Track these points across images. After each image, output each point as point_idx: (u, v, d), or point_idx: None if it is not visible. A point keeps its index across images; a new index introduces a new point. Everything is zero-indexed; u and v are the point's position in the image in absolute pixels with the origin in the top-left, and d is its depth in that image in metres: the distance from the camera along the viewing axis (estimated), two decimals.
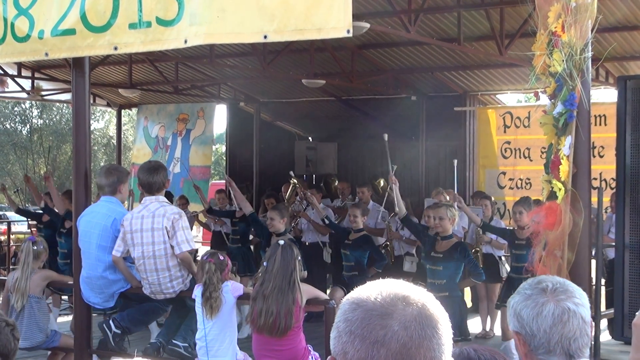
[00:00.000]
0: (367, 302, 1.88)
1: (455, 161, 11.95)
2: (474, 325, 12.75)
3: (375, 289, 1.91)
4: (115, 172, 8.17)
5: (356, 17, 10.40)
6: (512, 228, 11.39)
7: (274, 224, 10.18)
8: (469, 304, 14.07)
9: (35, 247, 8.62)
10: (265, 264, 7.15)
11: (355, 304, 1.89)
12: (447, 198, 12.67)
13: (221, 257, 7.40)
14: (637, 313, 3.35)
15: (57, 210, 12.81)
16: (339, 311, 1.91)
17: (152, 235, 7.55)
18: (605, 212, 12.04)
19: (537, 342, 2.90)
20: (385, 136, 11.22)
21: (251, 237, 13.90)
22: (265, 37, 5.84)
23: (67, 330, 9.62)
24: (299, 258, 7.15)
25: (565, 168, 5.35)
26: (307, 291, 7.15)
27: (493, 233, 11.69)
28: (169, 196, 13.67)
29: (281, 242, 7.20)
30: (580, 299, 2.93)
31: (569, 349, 2.88)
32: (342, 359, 1.86)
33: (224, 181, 21.63)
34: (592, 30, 5.41)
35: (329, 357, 1.90)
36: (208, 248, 16.32)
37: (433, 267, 9.07)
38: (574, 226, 5.35)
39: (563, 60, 5.26)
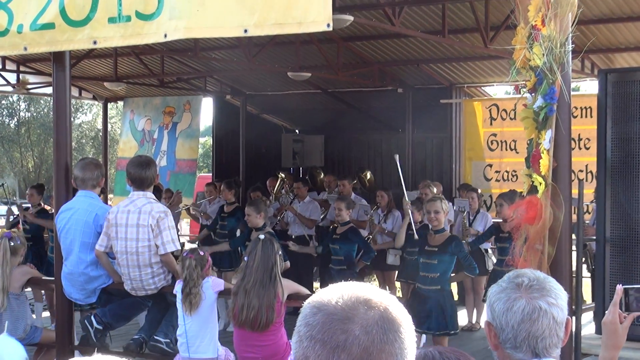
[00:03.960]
0: (328, 306, 1.85)
1: (397, 156, 11.66)
2: (461, 317, 12.77)
3: (336, 292, 1.87)
4: (98, 166, 8.07)
5: (340, 9, 10.39)
6: (494, 223, 11.44)
7: (251, 220, 10.22)
8: (455, 297, 14.13)
9: (12, 243, 8.53)
10: (245, 258, 7.13)
11: (316, 308, 1.85)
12: (435, 190, 12.68)
13: (201, 253, 7.37)
14: (606, 311, 3.34)
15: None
16: (300, 315, 1.88)
17: (137, 231, 7.47)
18: (592, 203, 12.07)
19: (505, 335, 2.90)
20: (397, 157, 11.08)
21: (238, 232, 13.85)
22: (245, 31, 5.82)
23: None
24: (280, 252, 7.13)
25: (545, 162, 5.33)
26: (289, 286, 7.14)
27: (482, 241, 11.63)
28: (158, 190, 13.64)
29: (261, 236, 7.18)
30: (555, 298, 2.90)
31: (535, 347, 2.87)
32: None
33: (211, 174, 21.66)
34: (572, 24, 5.39)
35: None
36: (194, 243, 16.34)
37: (427, 261, 9.03)
38: (555, 220, 5.34)
39: (543, 54, 5.24)
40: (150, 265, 7.53)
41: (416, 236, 10.18)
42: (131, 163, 7.76)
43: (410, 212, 10.31)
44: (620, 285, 3.39)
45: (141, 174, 7.58)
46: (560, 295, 2.92)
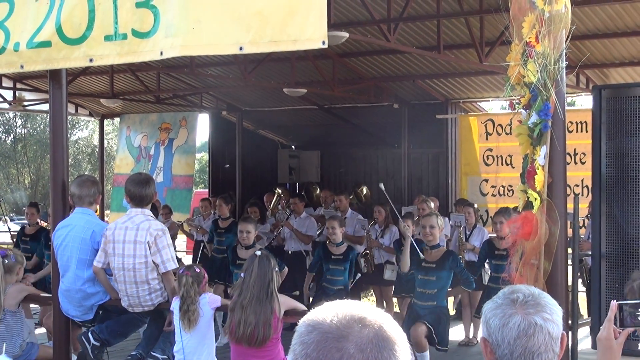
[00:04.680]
0: (322, 324, 1.85)
1: (382, 185, 11.63)
2: (458, 332, 12.75)
3: (331, 311, 1.88)
4: (95, 183, 8.07)
5: (335, 26, 10.45)
6: (486, 240, 11.43)
7: (250, 236, 10.14)
8: (452, 312, 14.11)
9: (6, 261, 8.54)
10: (242, 275, 7.13)
11: (311, 327, 1.86)
12: (432, 205, 12.68)
13: (197, 270, 7.38)
14: (601, 327, 3.35)
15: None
16: (295, 333, 1.89)
17: (134, 247, 7.47)
18: (587, 218, 12.07)
19: (501, 352, 2.90)
20: (382, 185, 11.05)
21: None
22: (241, 48, 5.84)
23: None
24: (276, 269, 7.13)
25: (540, 178, 5.35)
26: (286, 302, 7.14)
27: (482, 262, 11.47)
28: (154, 207, 13.67)
29: (258, 252, 7.18)
30: (551, 314, 2.90)
31: None
32: None
33: (207, 190, 21.68)
34: (566, 40, 5.42)
35: None
36: (191, 257, 16.33)
37: (425, 277, 9.01)
38: (550, 236, 5.36)
39: (537, 71, 5.27)
40: (147, 282, 7.53)
41: (422, 255, 9.81)
42: (130, 181, 7.78)
43: (409, 233, 10.04)
44: (615, 301, 3.40)
45: (141, 192, 7.61)
46: (555, 310, 2.93)
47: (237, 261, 10.21)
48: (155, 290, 7.61)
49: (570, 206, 5.88)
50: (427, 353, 9.01)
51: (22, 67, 6.90)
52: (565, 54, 5.42)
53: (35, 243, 13.35)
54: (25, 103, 19.11)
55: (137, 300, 7.61)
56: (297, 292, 12.13)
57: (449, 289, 9.54)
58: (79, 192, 7.84)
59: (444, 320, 9.08)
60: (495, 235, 11.01)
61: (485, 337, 2.95)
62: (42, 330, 11.75)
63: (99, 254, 7.63)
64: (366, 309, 1.90)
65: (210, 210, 14.96)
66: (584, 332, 8.27)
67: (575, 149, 14.09)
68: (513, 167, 15.19)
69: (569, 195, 5.82)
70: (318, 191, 18.93)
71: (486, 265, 12.23)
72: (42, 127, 43.34)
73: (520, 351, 2.87)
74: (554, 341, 2.89)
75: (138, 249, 7.46)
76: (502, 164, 15.77)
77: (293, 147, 21.80)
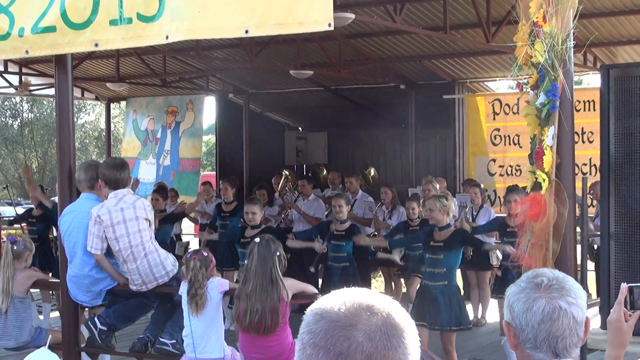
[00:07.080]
0: (330, 312, 1.84)
1: None
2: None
3: (338, 299, 1.87)
4: (93, 167, 8.01)
5: (341, 7, 10.40)
6: (499, 218, 11.39)
7: (256, 218, 10.25)
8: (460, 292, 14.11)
9: (15, 248, 8.56)
10: (246, 262, 7.14)
11: (319, 315, 1.85)
12: (437, 186, 12.63)
13: (205, 254, 7.37)
14: (611, 310, 3.33)
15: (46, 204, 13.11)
16: (303, 322, 1.87)
17: (137, 223, 7.58)
18: (592, 196, 12.05)
19: (524, 336, 2.88)
20: None
21: None
22: (246, 31, 5.83)
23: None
24: (278, 253, 7.08)
25: (548, 159, 5.34)
26: (293, 286, 7.10)
27: (483, 233, 11.51)
28: (164, 189, 13.70)
29: (257, 239, 7.16)
30: (575, 298, 2.88)
31: (555, 347, 2.85)
32: None
33: (214, 173, 21.69)
34: (573, 20, 5.39)
35: None
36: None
37: (433, 257, 8.99)
38: (559, 217, 5.34)
39: (545, 51, 5.25)
40: (156, 250, 7.67)
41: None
42: (105, 165, 7.84)
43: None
44: (625, 283, 3.38)
45: (116, 175, 7.69)
46: (579, 294, 2.90)
47: (242, 239, 10.37)
48: (165, 259, 7.73)
49: (578, 185, 5.86)
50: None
51: (27, 52, 6.90)
52: (572, 34, 5.39)
53: (40, 225, 13.44)
54: (32, 88, 19.12)
55: (149, 272, 7.61)
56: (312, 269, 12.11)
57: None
58: (78, 176, 7.91)
59: (459, 300, 9.03)
60: (506, 214, 10.95)
61: (509, 321, 2.93)
62: (57, 314, 11.82)
63: (95, 241, 7.58)
64: (374, 297, 1.88)
65: (212, 193, 14.92)
66: (592, 311, 8.26)
67: (582, 128, 14.02)
68: (521, 147, 15.15)
69: (577, 174, 5.79)
70: (324, 172, 18.92)
71: None
72: (48, 111, 43.29)
73: (545, 335, 2.85)
74: (579, 325, 2.87)
75: (141, 223, 7.61)
76: (509, 144, 15.72)
77: (300, 129, 21.78)
